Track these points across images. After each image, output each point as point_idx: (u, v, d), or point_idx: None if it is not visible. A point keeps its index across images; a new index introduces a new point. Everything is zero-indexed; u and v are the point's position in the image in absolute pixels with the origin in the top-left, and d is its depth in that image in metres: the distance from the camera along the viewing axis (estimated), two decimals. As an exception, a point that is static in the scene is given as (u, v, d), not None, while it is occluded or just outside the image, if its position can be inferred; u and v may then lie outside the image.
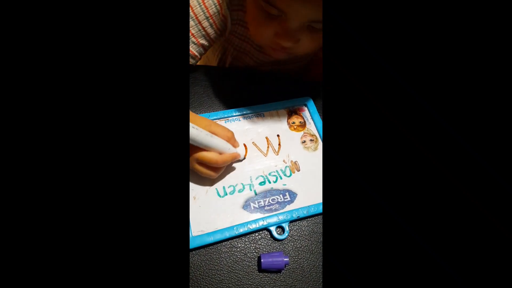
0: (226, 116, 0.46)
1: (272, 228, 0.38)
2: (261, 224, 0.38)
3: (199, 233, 0.36)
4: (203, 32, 0.47)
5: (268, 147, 0.44)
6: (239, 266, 0.36)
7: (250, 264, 0.36)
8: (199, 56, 0.49)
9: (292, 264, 0.37)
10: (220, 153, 0.37)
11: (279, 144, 0.45)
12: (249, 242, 0.38)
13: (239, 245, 0.37)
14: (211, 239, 0.36)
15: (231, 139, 0.39)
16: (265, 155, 0.44)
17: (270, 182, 0.41)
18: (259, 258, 0.36)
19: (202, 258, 0.36)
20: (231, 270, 0.36)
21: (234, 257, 0.36)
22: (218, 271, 0.35)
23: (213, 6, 0.45)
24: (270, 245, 0.38)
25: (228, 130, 0.39)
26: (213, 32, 0.47)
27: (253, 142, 0.44)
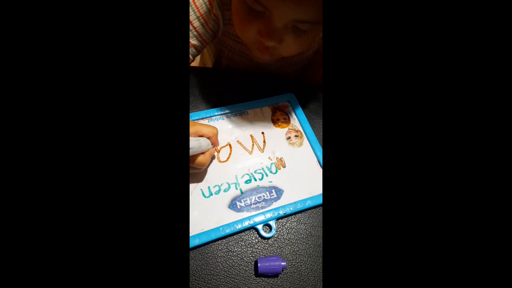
0: (209, 115, 0.45)
1: (259, 227, 0.37)
2: (247, 223, 0.37)
3: (185, 236, 0.36)
4: (195, 32, 0.46)
5: (253, 144, 0.44)
6: (236, 271, 0.35)
7: (247, 268, 0.36)
8: (191, 57, 0.48)
9: (289, 268, 0.36)
10: (203, 153, 0.37)
11: (264, 141, 0.44)
12: (245, 246, 0.37)
13: (236, 249, 0.36)
14: (196, 242, 0.35)
15: (215, 136, 0.39)
16: (250, 153, 0.43)
17: (256, 180, 0.41)
18: (256, 262, 0.35)
19: (198, 263, 0.35)
20: (228, 275, 0.35)
21: (231, 261, 0.36)
22: (215, 276, 0.35)
23: (204, 5, 0.44)
24: (267, 249, 0.37)
25: (213, 127, 0.39)
26: (205, 32, 0.47)
27: (237, 141, 0.44)
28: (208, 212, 0.38)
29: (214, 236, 0.36)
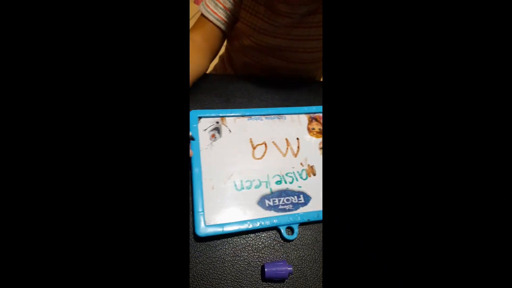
0: (249, 114, 0.47)
1: (282, 228, 0.38)
2: (273, 222, 0.38)
3: (212, 223, 0.37)
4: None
5: (287, 148, 0.45)
6: (243, 275, 0.36)
7: (254, 273, 0.36)
8: (227, 20, 0.51)
9: (295, 273, 0.37)
10: None
11: (298, 147, 0.46)
12: (252, 251, 0.37)
13: (243, 254, 0.37)
14: (222, 230, 0.36)
15: None
16: (284, 155, 0.44)
17: (286, 182, 0.42)
18: (263, 267, 0.36)
19: (205, 267, 0.35)
20: (235, 280, 0.35)
21: (238, 266, 0.36)
22: (222, 280, 0.35)
23: None
24: (273, 254, 0.37)
25: None
26: None
27: (273, 141, 0.45)
28: (237, 204, 0.39)
29: (239, 228, 0.37)
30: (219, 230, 0.36)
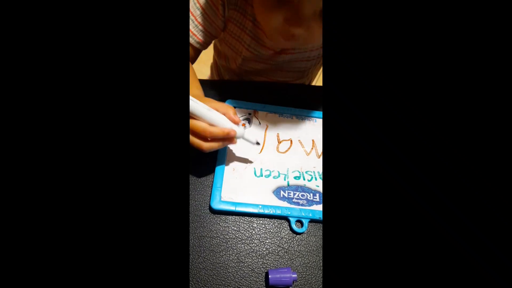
0: (281, 111, 0.49)
1: (292, 220, 0.39)
2: (284, 212, 0.39)
3: (227, 200, 0.39)
4: (209, 20, 0.47)
5: (312, 148, 0.46)
6: (246, 282, 0.36)
7: (258, 280, 0.36)
8: (205, 41, 0.50)
9: (300, 280, 0.37)
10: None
11: (323, 149, 0.47)
12: (256, 257, 0.37)
13: (247, 260, 0.37)
14: (234, 209, 0.39)
15: (228, 114, 0.37)
16: (308, 154, 0.46)
17: (304, 179, 0.43)
18: (267, 274, 0.36)
19: (209, 274, 0.36)
20: (238, 286, 0.35)
21: (241, 272, 0.36)
22: (226, 287, 0.35)
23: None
24: (277, 260, 0.38)
25: (229, 106, 0.38)
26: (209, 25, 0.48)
27: (299, 140, 0.47)
28: (253, 189, 0.41)
29: (251, 210, 0.39)
30: (231, 208, 0.39)
